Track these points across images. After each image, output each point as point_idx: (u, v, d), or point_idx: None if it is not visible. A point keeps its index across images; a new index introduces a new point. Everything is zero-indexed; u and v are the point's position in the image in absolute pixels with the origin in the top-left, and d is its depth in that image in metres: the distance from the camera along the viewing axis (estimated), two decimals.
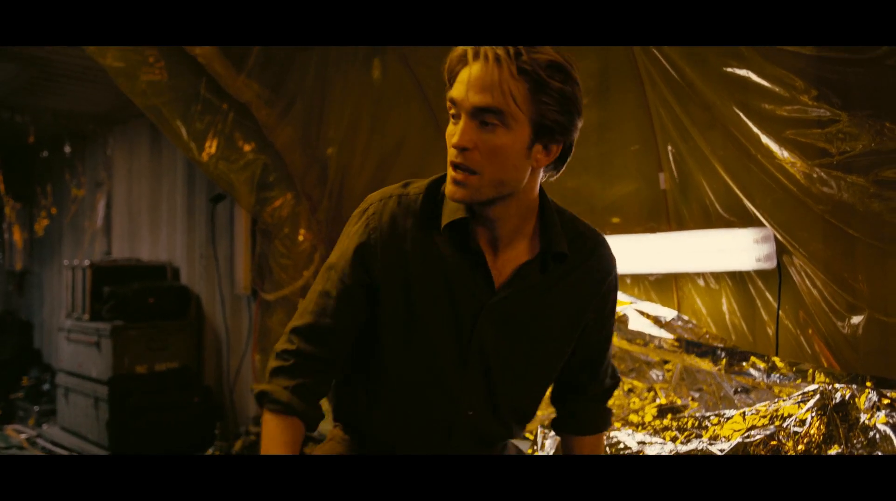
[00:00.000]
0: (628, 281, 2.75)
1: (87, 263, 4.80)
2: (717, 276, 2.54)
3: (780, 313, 2.34)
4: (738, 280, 2.49)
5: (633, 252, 2.65)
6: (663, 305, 2.68)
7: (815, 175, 2.14)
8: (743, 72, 2.22)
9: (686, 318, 2.42)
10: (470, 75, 1.02)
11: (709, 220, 2.51)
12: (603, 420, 1.38)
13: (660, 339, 2.33)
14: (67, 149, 5.87)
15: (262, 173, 3.63)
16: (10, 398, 5.94)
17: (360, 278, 1.16)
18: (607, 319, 1.29)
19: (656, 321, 2.41)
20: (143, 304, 4.65)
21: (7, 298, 7.42)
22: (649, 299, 2.69)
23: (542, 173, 1.12)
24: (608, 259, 1.25)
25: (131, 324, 4.55)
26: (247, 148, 3.57)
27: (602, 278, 1.23)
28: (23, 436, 5.24)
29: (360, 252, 1.15)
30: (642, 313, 2.43)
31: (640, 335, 2.34)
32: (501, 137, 1.02)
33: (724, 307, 2.53)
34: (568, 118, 1.04)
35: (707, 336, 2.36)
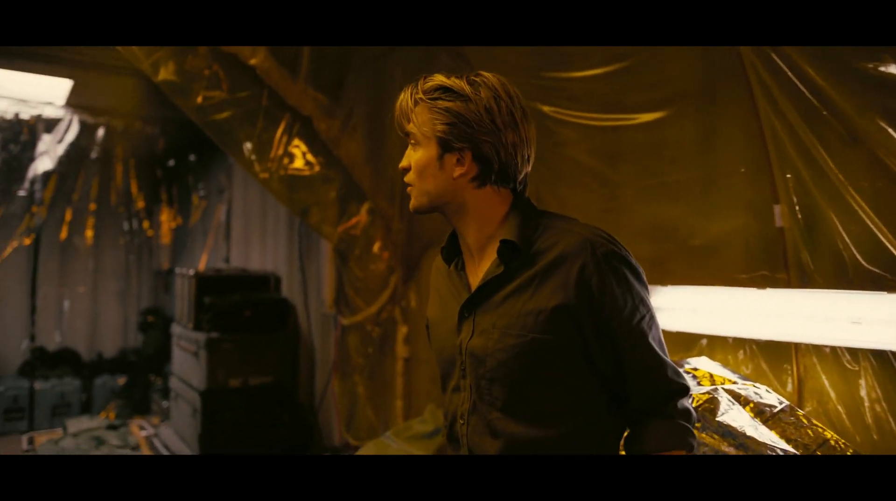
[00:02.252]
0: (730, 342, 2.10)
1: (191, 272, 4.86)
2: (855, 350, 1.83)
3: None
4: (884, 360, 1.77)
5: (737, 309, 2.01)
6: (776, 378, 2.00)
7: None
8: (893, 69, 1.52)
9: (801, 412, 1.75)
10: None
11: (843, 273, 1.81)
12: (661, 438, 1.21)
13: (759, 443, 1.69)
14: (192, 157, 6.04)
15: (330, 190, 3.36)
16: (147, 392, 6.30)
17: None
18: (614, 328, 1.18)
19: (758, 411, 1.76)
20: (238, 316, 4.60)
21: (155, 295, 7.92)
22: (757, 372, 2.03)
23: (479, 183, 1.24)
24: (578, 245, 1.19)
25: (226, 336, 4.52)
26: (313, 162, 3.31)
27: (571, 266, 1.18)
28: (143, 434, 5.48)
29: None
30: (737, 397, 1.79)
31: (731, 432, 1.71)
32: (418, 153, 1.24)
33: (864, 393, 1.82)
34: (457, 129, 1.20)
35: (832, 444, 1.68)
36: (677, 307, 2.16)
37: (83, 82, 5.09)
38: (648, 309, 1.21)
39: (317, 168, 3.34)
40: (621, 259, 1.18)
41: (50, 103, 5.51)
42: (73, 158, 5.85)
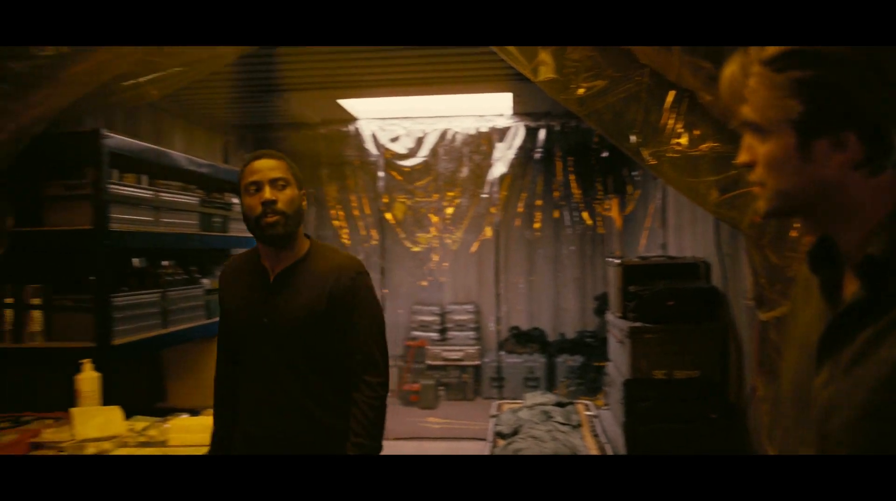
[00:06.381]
0: None
1: (617, 261, 4.93)
2: None
3: None
4: None
5: None
6: None
7: None
8: None
9: None
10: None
11: None
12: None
13: None
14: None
15: (729, 168, 2.97)
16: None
17: None
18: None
19: None
20: (660, 306, 4.47)
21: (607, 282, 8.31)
22: None
23: (871, 169, 0.88)
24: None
25: (649, 326, 4.44)
26: (706, 140, 2.98)
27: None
28: (587, 413, 5.81)
29: None
30: None
31: None
32: (766, 145, 0.91)
33: None
34: (825, 110, 0.85)
35: None
36: None
37: (522, 94, 5.67)
38: None
39: (712, 145, 2.98)
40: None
41: (500, 115, 6.32)
42: (521, 161, 6.60)
